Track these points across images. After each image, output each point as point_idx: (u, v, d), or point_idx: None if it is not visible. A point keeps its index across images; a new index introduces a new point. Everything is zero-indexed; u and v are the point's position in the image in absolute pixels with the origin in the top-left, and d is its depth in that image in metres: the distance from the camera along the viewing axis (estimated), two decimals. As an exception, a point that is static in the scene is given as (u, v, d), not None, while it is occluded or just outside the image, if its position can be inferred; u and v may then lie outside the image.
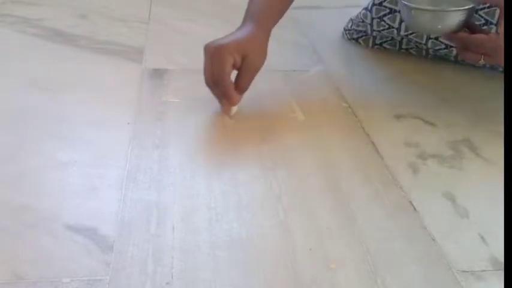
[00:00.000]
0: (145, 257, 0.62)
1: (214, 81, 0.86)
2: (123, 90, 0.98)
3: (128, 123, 0.87)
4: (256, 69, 0.88)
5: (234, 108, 0.90)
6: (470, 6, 0.85)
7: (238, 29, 0.90)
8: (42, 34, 1.20)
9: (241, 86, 0.87)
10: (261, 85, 0.99)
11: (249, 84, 0.88)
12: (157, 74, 1.04)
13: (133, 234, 0.66)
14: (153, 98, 0.96)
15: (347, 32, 1.23)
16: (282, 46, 1.18)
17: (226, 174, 0.77)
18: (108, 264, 0.61)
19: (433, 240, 0.67)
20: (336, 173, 0.78)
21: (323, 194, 0.74)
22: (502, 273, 0.62)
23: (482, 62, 0.85)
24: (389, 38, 1.15)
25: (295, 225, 0.68)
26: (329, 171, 0.79)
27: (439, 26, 0.87)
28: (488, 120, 0.92)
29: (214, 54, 0.85)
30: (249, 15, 0.91)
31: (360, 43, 1.20)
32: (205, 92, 0.97)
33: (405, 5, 0.89)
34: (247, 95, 0.90)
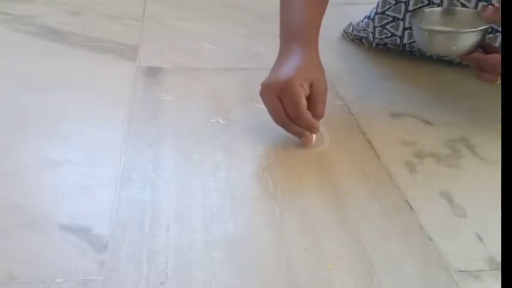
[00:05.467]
0: (140, 257, 0.62)
1: (293, 119, 0.79)
2: (117, 89, 0.97)
3: (122, 122, 0.87)
4: (325, 93, 0.82)
5: (314, 137, 0.83)
6: (485, 26, 0.83)
7: (286, 55, 0.84)
8: (36, 32, 1.19)
9: (319, 113, 0.81)
10: (256, 83, 0.99)
11: (323, 109, 0.82)
12: (152, 72, 1.04)
13: (128, 234, 0.65)
14: (148, 96, 0.95)
15: (347, 34, 1.21)
16: (277, 44, 1.17)
17: (222, 173, 0.77)
18: (102, 264, 0.61)
19: (430, 239, 0.67)
20: (332, 172, 0.78)
21: (319, 193, 0.74)
22: (499, 273, 0.62)
23: (499, 82, 0.83)
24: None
25: (291, 224, 0.68)
26: (325, 171, 0.78)
27: (454, 48, 0.85)
28: (485, 119, 0.92)
29: (284, 91, 0.78)
30: (292, 37, 0.86)
31: (363, 43, 1.18)
32: (200, 90, 0.97)
33: (418, 26, 0.87)
34: (242, 93, 0.90)
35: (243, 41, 1.19)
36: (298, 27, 0.87)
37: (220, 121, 0.88)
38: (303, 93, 0.78)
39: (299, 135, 0.82)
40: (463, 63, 1.05)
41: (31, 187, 0.73)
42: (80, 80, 1.00)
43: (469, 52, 0.85)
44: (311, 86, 0.80)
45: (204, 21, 1.30)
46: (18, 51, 1.11)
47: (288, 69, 0.80)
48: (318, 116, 0.81)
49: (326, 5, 0.91)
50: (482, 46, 0.86)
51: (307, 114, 0.79)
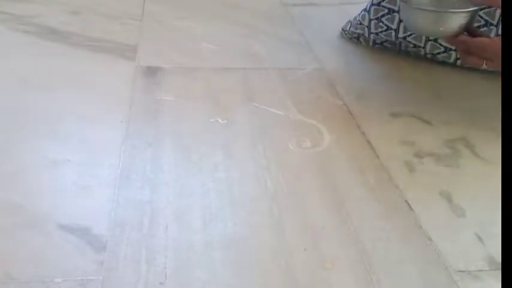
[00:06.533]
0: (139, 257, 0.62)
1: None
2: (116, 88, 0.97)
3: (121, 122, 0.87)
4: None
5: None
6: (475, 8, 0.83)
7: None
8: (35, 31, 1.19)
9: None
10: (255, 83, 0.99)
11: None
12: (151, 72, 1.03)
13: (127, 234, 0.65)
14: (147, 96, 0.95)
15: (346, 32, 1.21)
16: (277, 43, 1.17)
17: (221, 173, 0.77)
18: (101, 264, 0.61)
19: (429, 239, 0.67)
20: (331, 172, 0.78)
21: (318, 193, 0.74)
22: (498, 273, 0.62)
23: (484, 66, 0.83)
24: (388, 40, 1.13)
25: (290, 224, 0.68)
26: (324, 170, 0.78)
27: (441, 28, 0.85)
28: (485, 118, 0.92)
29: None
30: None
31: (360, 42, 1.18)
32: (200, 90, 0.97)
33: (406, 5, 0.87)
34: (241, 92, 0.90)
35: (243, 41, 1.19)
36: None
37: (220, 121, 0.88)
38: None
39: None
40: (458, 59, 1.05)
41: (30, 187, 0.73)
42: (79, 80, 1.00)
43: (456, 34, 0.85)
44: None
45: (204, 20, 1.30)
46: (18, 51, 1.11)
47: None
48: None
49: None
50: (468, 30, 0.86)
51: None
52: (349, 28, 1.20)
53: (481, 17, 0.99)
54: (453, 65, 1.08)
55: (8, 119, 0.87)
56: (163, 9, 1.36)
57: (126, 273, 0.60)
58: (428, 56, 1.09)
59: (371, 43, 1.16)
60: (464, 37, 0.85)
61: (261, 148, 0.82)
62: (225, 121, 0.88)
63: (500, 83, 0.65)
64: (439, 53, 1.07)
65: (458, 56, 1.05)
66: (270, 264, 0.62)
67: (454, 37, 0.86)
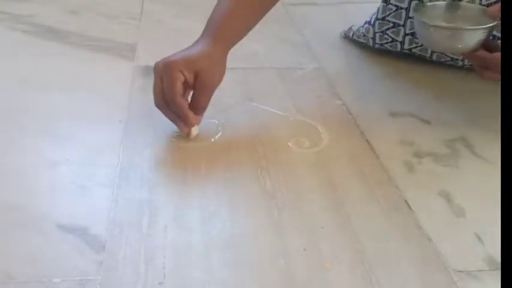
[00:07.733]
0: (138, 257, 0.62)
1: (166, 101, 0.79)
2: (114, 88, 0.97)
3: (120, 121, 0.87)
4: (211, 87, 0.81)
5: (194, 130, 0.82)
6: (492, 24, 0.81)
7: (192, 44, 0.84)
8: (33, 31, 1.18)
9: (196, 105, 0.81)
10: (254, 83, 0.99)
11: (205, 103, 0.81)
12: (150, 72, 1.02)
13: (125, 234, 0.65)
14: (145, 96, 0.94)
15: (347, 38, 1.20)
16: (276, 43, 1.17)
17: (219, 172, 0.77)
18: (100, 264, 0.60)
19: (429, 239, 0.66)
20: (330, 172, 0.78)
21: (317, 193, 0.73)
22: (498, 273, 0.62)
23: None
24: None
25: (289, 224, 0.68)
26: (323, 170, 0.78)
27: (460, 45, 0.83)
28: (484, 119, 0.91)
29: (162, 72, 0.79)
30: (206, 31, 0.86)
31: (365, 47, 1.17)
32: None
33: (423, 22, 0.84)
34: (241, 92, 0.89)
35: (242, 40, 1.18)
36: (214, 24, 0.87)
37: (218, 121, 0.88)
38: (179, 78, 0.78)
39: (173, 122, 0.81)
40: (465, 66, 1.04)
41: (29, 187, 0.73)
42: (78, 80, 1.00)
43: (474, 50, 0.83)
44: (196, 75, 0.79)
45: (202, 19, 1.29)
46: (16, 51, 1.11)
47: (179, 54, 0.81)
48: (195, 107, 0.81)
49: (254, 23, 0.90)
50: (486, 45, 0.83)
51: (180, 101, 0.79)
52: (352, 35, 1.18)
53: None
54: (460, 68, 1.07)
55: (6, 118, 0.87)
56: (163, 8, 1.36)
57: (125, 273, 0.60)
58: (434, 59, 1.08)
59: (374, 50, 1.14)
60: (482, 53, 0.83)
61: (260, 148, 0.82)
62: (224, 121, 0.88)
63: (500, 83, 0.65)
64: (446, 61, 1.06)
65: (465, 63, 1.04)
66: (269, 264, 0.62)
67: (472, 52, 0.83)
